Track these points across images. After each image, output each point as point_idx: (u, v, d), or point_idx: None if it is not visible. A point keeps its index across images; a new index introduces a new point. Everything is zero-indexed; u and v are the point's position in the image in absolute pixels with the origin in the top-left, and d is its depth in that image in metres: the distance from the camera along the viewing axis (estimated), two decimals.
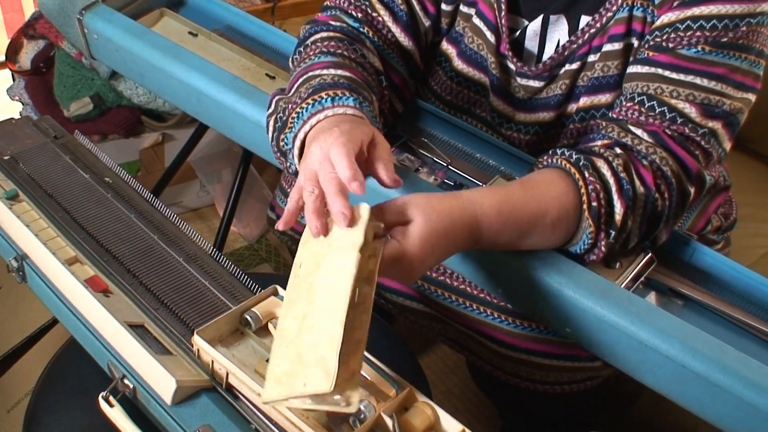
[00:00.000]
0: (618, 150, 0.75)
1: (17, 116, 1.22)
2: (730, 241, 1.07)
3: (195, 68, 0.95)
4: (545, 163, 0.77)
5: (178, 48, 1.00)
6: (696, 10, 0.76)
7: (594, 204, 0.71)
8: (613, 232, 0.73)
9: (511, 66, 0.91)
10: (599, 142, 0.77)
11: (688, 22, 0.76)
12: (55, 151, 0.95)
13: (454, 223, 0.66)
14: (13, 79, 1.82)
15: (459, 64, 0.96)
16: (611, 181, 0.73)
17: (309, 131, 0.72)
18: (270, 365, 0.59)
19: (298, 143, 0.74)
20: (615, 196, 0.72)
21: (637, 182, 0.73)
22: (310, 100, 0.74)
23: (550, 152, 0.77)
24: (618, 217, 0.73)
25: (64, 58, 1.66)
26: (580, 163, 0.73)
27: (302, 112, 0.74)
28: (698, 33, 0.76)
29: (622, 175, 0.73)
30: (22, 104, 1.75)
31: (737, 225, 1.07)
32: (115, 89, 1.62)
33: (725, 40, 0.76)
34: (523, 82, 0.91)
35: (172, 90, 0.98)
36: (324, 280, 0.59)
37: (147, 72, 1.01)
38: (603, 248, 0.74)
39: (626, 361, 0.72)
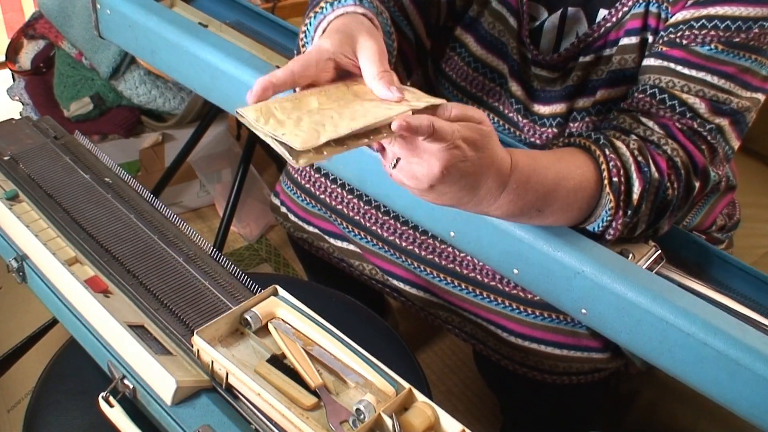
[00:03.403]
0: (633, 137, 0.77)
1: (17, 116, 1.22)
2: (733, 242, 1.08)
3: (211, 44, 0.93)
4: (561, 144, 0.78)
5: (194, 25, 0.99)
6: (711, 10, 0.78)
7: (615, 179, 0.72)
8: (630, 211, 0.74)
9: (528, 54, 0.93)
10: (612, 132, 0.79)
11: (703, 21, 0.78)
12: (55, 151, 0.95)
13: (495, 152, 0.62)
14: (13, 79, 1.83)
15: (478, 49, 0.96)
16: (630, 160, 0.74)
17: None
18: (273, 103, 0.59)
19: None
20: (634, 175, 0.73)
21: (653, 167, 0.75)
22: (311, 14, 0.75)
23: (566, 135, 0.78)
24: (635, 195, 0.74)
25: (64, 58, 1.66)
26: (600, 142, 0.75)
27: (308, 29, 0.75)
28: (712, 32, 0.78)
29: (640, 159, 0.74)
30: (22, 104, 1.76)
31: (739, 225, 1.08)
32: (115, 89, 1.62)
33: (737, 40, 0.77)
34: (537, 71, 0.93)
35: (185, 67, 0.97)
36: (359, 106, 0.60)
37: (159, 48, 1.00)
38: (619, 227, 0.74)
39: (644, 342, 0.71)
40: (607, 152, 0.73)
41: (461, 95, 1.01)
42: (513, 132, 0.98)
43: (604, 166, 0.73)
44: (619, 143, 0.75)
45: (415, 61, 0.97)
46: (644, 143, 0.77)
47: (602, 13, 0.87)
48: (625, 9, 0.85)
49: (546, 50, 0.92)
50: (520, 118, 0.96)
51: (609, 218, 0.74)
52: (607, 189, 0.72)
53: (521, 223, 0.73)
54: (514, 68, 0.93)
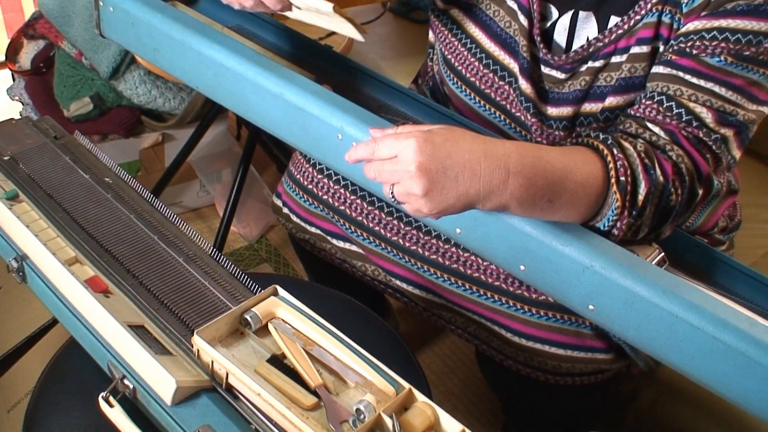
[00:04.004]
0: (640, 140, 0.78)
1: (17, 116, 1.22)
2: (734, 243, 1.08)
3: (216, 41, 0.94)
4: (569, 143, 0.79)
5: (198, 22, 0.99)
6: (723, 22, 0.78)
7: (622, 179, 0.73)
8: (635, 212, 0.74)
9: (538, 54, 0.93)
10: (619, 134, 0.79)
11: (714, 32, 0.78)
12: (55, 151, 0.95)
13: (467, 135, 0.68)
14: (13, 79, 1.83)
15: (490, 46, 0.97)
16: (637, 161, 0.74)
17: None
18: None
19: None
20: (641, 176, 0.74)
21: (658, 171, 0.75)
22: None
23: (574, 136, 0.78)
24: (641, 197, 0.74)
25: (64, 58, 1.66)
26: (608, 142, 0.75)
27: None
28: (722, 44, 0.78)
29: (647, 161, 0.75)
30: (22, 104, 1.76)
31: (740, 226, 1.08)
32: (115, 89, 1.62)
33: (747, 53, 0.77)
34: (546, 71, 0.93)
35: (188, 64, 0.97)
36: None
37: (162, 46, 1.00)
38: (623, 227, 0.74)
39: (652, 337, 0.71)
40: (615, 152, 0.74)
41: (470, 91, 1.01)
42: (520, 132, 0.99)
43: (611, 165, 0.73)
44: (626, 144, 0.75)
45: None
46: (651, 147, 0.77)
47: (614, 19, 0.87)
48: (638, 17, 0.85)
49: (557, 51, 0.93)
50: (529, 117, 0.96)
51: (615, 218, 0.74)
52: (614, 188, 0.72)
53: (533, 216, 0.73)
54: (524, 66, 0.94)
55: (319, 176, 1.06)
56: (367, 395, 0.65)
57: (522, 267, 0.77)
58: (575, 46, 0.91)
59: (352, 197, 1.03)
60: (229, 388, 0.67)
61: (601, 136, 0.76)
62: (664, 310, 0.68)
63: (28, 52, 1.74)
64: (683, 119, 0.79)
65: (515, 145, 0.69)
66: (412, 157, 0.65)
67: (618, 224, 0.74)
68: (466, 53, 1.00)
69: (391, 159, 0.67)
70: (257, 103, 0.90)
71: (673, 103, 0.79)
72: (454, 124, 0.98)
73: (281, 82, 0.86)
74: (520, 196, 0.68)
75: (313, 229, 1.10)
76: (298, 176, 1.09)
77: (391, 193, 0.69)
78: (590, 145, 0.75)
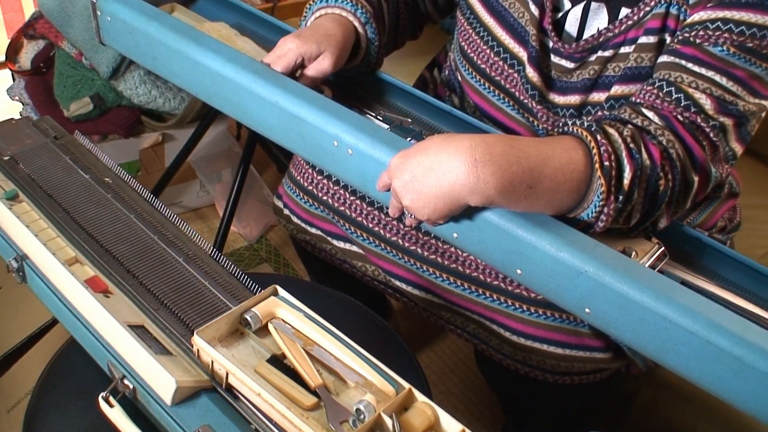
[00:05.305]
0: (629, 126, 0.78)
1: (17, 116, 1.22)
2: (733, 244, 1.08)
3: (212, 49, 0.95)
4: (556, 133, 0.79)
5: (194, 30, 1.00)
6: (728, 13, 0.79)
7: (606, 163, 0.72)
8: (621, 196, 0.74)
9: (549, 43, 0.94)
10: (607, 121, 0.79)
11: (719, 23, 0.79)
12: (55, 151, 0.95)
13: (445, 140, 0.71)
14: (13, 79, 1.83)
15: (502, 34, 0.99)
16: (621, 146, 0.74)
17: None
18: None
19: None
20: (625, 160, 0.74)
21: (645, 154, 0.75)
22: (311, 1, 1.00)
23: (561, 125, 0.78)
24: (626, 181, 0.73)
25: (64, 58, 1.66)
26: (592, 129, 0.75)
27: (307, 11, 1.00)
28: (726, 34, 0.78)
29: (632, 146, 0.75)
30: (22, 104, 1.76)
31: (740, 227, 1.08)
32: (115, 89, 1.62)
33: (750, 45, 0.78)
34: (556, 60, 0.94)
35: (186, 72, 0.98)
36: None
37: (160, 54, 1.01)
38: (611, 212, 0.74)
39: (647, 340, 0.71)
40: (599, 137, 0.74)
41: (480, 77, 1.03)
42: (528, 118, 0.99)
43: (594, 151, 0.73)
44: (611, 130, 0.75)
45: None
46: (639, 132, 0.77)
47: (624, 11, 0.88)
48: (647, 9, 0.86)
49: (567, 41, 0.93)
50: (535, 104, 0.97)
51: (601, 203, 0.73)
52: (598, 173, 0.72)
53: (520, 207, 0.73)
54: (533, 55, 0.95)
55: (319, 177, 1.06)
56: (367, 395, 0.65)
57: (519, 271, 0.77)
58: (585, 36, 0.92)
59: (352, 198, 1.03)
60: (229, 388, 0.67)
61: (585, 123, 0.76)
62: (657, 315, 0.68)
63: (28, 52, 1.74)
64: (681, 104, 0.79)
65: (483, 137, 0.71)
66: (393, 177, 0.73)
67: (605, 210, 0.74)
68: (479, 41, 1.01)
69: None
70: (254, 111, 0.91)
71: (673, 88, 0.80)
72: (456, 122, 0.98)
73: (276, 90, 0.86)
74: (497, 184, 0.69)
75: (313, 230, 1.11)
76: (299, 178, 1.09)
77: (401, 211, 0.78)
78: (574, 133, 0.76)
